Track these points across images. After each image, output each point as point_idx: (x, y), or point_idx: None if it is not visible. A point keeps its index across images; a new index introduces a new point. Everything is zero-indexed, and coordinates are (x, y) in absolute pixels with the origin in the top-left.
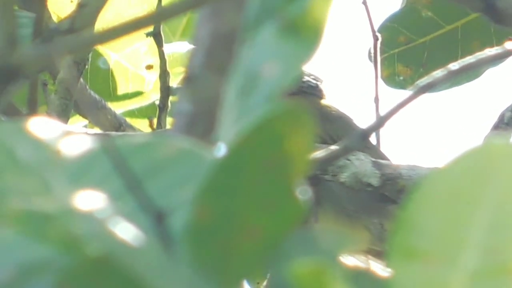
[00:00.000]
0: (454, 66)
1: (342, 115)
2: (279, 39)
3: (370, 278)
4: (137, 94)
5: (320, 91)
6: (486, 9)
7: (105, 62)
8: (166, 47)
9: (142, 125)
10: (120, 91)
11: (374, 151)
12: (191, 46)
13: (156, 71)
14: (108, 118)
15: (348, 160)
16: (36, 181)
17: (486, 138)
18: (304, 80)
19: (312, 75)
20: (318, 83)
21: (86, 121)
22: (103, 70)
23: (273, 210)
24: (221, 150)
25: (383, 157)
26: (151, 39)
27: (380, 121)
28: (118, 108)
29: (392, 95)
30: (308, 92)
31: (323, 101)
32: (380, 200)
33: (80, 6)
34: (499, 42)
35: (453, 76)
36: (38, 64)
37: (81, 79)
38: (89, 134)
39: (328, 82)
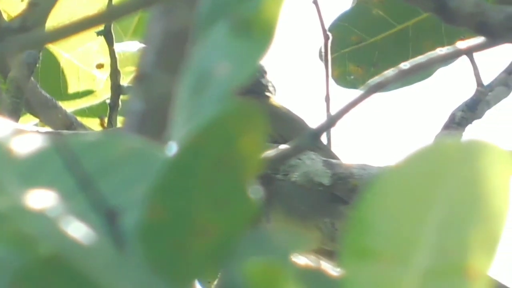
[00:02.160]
0: (405, 65)
1: (293, 114)
2: (231, 38)
3: (322, 277)
4: (88, 93)
5: (270, 89)
6: (438, 9)
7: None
8: (117, 46)
9: (93, 124)
10: (71, 90)
11: (326, 151)
12: (142, 45)
13: (107, 70)
14: (59, 117)
15: (299, 159)
16: None
17: (437, 137)
18: (255, 78)
19: (262, 72)
20: (268, 81)
21: (37, 120)
22: (54, 69)
23: (225, 209)
24: (173, 149)
25: (335, 156)
26: (102, 38)
27: (331, 121)
28: (69, 107)
29: (343, 95)
30: (258, 90)
31: (273, 100)
32: (331, 199)
33: (31, 4)
34: (450, 42)
35: (404, 76)
36: None
37: (32, 78)
38: (40, 133)
39: (279, 81)
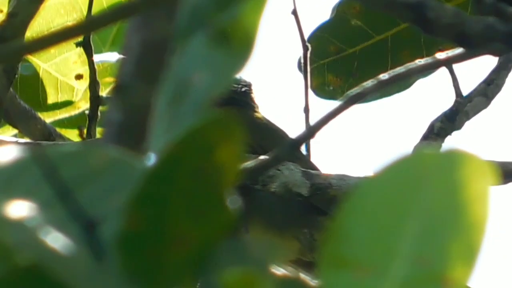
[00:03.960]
0: (384, 76)
1: (273, 125)
2: (209, 49)
3: (299, 286)
4: (67, 103)
5: (252, 100)
6: (417, 19)
7: (28, 68)
8: (96, 57)
9: (72, 135)
10: (50, 101)
11: (304, 162)
12: (121, 56)
13: (86, 81)
14: (38, 127)
15: (278, 170)
16: None
17: (416, 148)
18: (236, 89)
19: (243, 84)
20: (250, 92)
21: (16, 131)
22: (33, 80)
23: (204, 219)
24: (151, 159)
25: (313, 167)
26: (80, 49)
27: (310, 132)
28: (48, 117)
29: (322, 105)
30: (240, 101)
31: (257, 113)
32: (310, 210)
33: (10, 15)
34: (429, 53)
35: (383, 86)
36: None
37: (11, 89)
38: (19, 143)
39: (258, 91)
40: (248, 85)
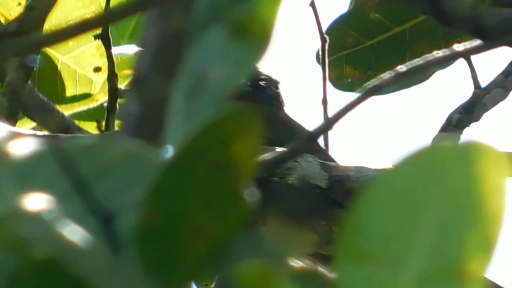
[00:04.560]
0: (402, 68)
1: (291, 119)
2: (226, 41)
3: (316, 280)
4: (85, 96)
5: (278, 97)
6: (434, 12)
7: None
8: (114, 50)
9: (90, 127)
10: (68, 94)
11: (322, 154)
12: (139, 49)
13: (104, 74)
14: (56, 120)
15: (296, 162)
16: None
17: (434, 140)
18: (262, 85)
19: (270, 81)
20: (277, 89)
21: (34, 124)
22: (51, 72)
23: (221, 212)
24: (168, 152)
25: (331, 159)
26: (99, 42)
27: (328, 124)
28: (66, 110)
29: (340, 98)
30: (264, 97)
31: (277, 108)
32: (328, 202)
33: (28, 8)
34: (447, 44)
35: (401, 79)
36: None
37: (29, 82)
38: (37, 136)
39: (286, 90)
40: (275, 83)
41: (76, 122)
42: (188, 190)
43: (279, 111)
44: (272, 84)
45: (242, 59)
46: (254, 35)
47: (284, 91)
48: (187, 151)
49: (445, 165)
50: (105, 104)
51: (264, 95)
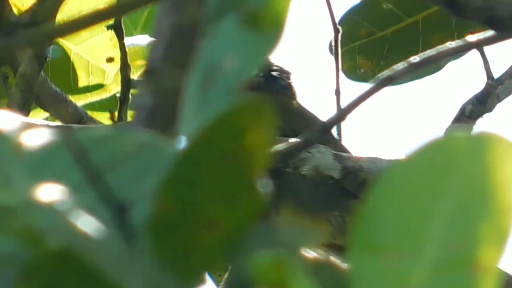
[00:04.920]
0: (415, 59)
1: (305, 110)
2: (240, 32)
3: (330, 270)
4: (98, 87)
5: (289, 88)
6: (447, 2)
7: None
8: (127, 40)
9: (103, 118)
10: (81, 84)
11: (336, 144)
12: (152, 39)
13: (117, 64)
14: (69, 111)
15: (309, 153)
16: None
17: (447, 131)
18: (273, 76)
19: (282, 71)
20: (288, 80)
21: (47, 114)
22: (64, 63)
23: (235, 203)
24: (182, 143)
25: (345, 150)
26: (112, 32)
27: (341, 114)
28: (79, 101)
29: (353, 88)
30: (276, 87)
31: (289, 98)
32: (341, 193)
33: None
34: (460, 35)
35: (414, 69)
36: None
37: (42, 72)
38: (50, 127)
39: (298, 80)
40: (287, 73)
41: (89, 112)
42: (201, 181)
43: (292, 101)
44: (285, 74)
45: (255, 50)
46: (268, 26)
47: (296, 81)
48: (200, 142)
49: (458, 156)
50: (118, 95)
51: (277, 85)
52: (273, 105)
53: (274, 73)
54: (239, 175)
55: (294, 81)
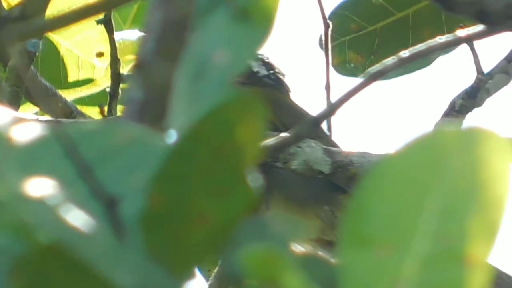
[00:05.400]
0: (405, 53)
1: (296, 104)
2: (230, 26)
3: (320, 264)
4: (88, 81)
5: (282, 83)
6: None
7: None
8: (117, 35)
9: (93, 112)
10: (71, 79)
11: (326, 139)
12: (142, 34)
13: (107, 59)
14: (59, 105)
15: (299, 147)
16: None
17: (437, 125)
18: (265, 70)
19: (274, 66)
20: (281, 74)
21: (37, 109)
22: (54, 57)
23: (225, 197)
24: (172, 136)
25: (335, 145)
26: (101, 27)
27: (331, 109)
28: (69, 95)
29: (343, 83)
30: (268, 82)
31: (281, 92)
32: (331, 187)
33: None
34: (450, 30)
35: (404, 64)
36: None
37: (32, 67)
38: (40, 121)
39: (290, 76)
40: (278, 68)
41: (79, 107)
42: (192, 175)
43: (282, 96)
44: (275, 69)
45: (246, 44)
46: (258, 20)
47: (287, 76)
48: (191, 136)
49: (448, 150)
50: (108, 89)
51: (267, 79)
52: (264, 99)
53: (265, 68)
54: (230, 169)
55: (285, 75)
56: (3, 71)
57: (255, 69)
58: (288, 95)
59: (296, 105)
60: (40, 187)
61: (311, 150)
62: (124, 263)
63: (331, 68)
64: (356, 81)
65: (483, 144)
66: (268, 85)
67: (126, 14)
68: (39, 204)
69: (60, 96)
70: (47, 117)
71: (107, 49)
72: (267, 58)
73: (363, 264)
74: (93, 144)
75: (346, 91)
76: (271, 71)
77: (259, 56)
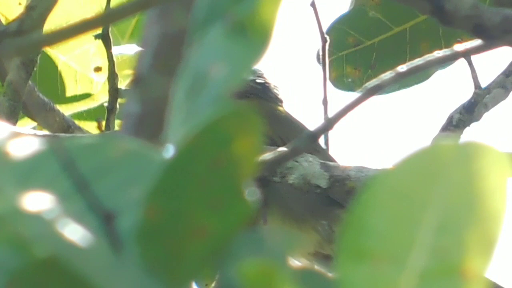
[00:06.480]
0: (402, 68)
1: (291, 118)
2: (227, 40)
3: (318, 278)
4: (86, 96)
5: (275, 95)
6: (435, 11)
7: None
8: (115, 49)
9: (91, 127)
10: (69, 93)
11: (323, 154)
12: (139, 48)
13: (105, 73)
14: (57, 120)
15: (297, 161)
16: None
17: (434, 140)
18: (259, 83)
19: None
20: (274, 87)
21: (34, 123)
22: (52, 72)
23: (222, 211)
24: (169, 150)
25: (332, 159)
26: (99, 41)
27: (329, 123)
28: (66, 110)
29: (340, 97)
30: (262, 95)
31: (276, 104)
32: (328, 202)
33: (29, 8)
34: (448, 44)
35: (402, 78)
36: None
37: (30, 81)
38: (37, 136)
39: (284, 88)
40: (274, 82)
41: (77, 121)
42: (189, 189)
43: (279, 109)
44: (271, 83)
45: (242, 58)
46: (255, 34)
47: (283, 90)
48: (188, 150)
49: (446, 164)
50: (106, 104)
51: (264, 94)
52: (261, 113)
53: (261, 82)
54: (227, 183)
55: (281, 89)
56: (1, 85)
57: (251, 82)
58: (283, 107)
59: (293, 118)
60: (37, 201)
61: (308, 164)
62: (121, 277)
63: (328, 83)
64: (354, 95)
65: (481, 158)
66: (264, 98)
67: (124, 28)
68: (36, 218)
69: (58, 111)
70: (45, 132)
71: (104, 64)
72: (263, 71)
73: (361, 277)
74: (90, 158)
75: (344, 106)
76: (266, 84)
77: (255, 70)
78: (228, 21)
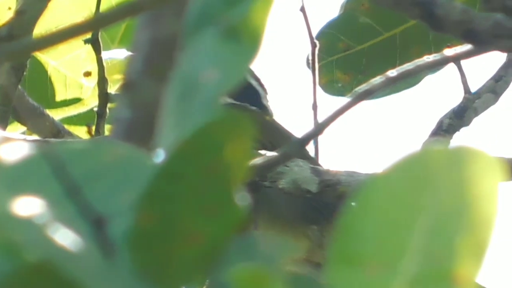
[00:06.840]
0: (392, 73)
1: (279, 126)
2: (219, 45)
3: (309, 283)
4: (76, 101)
5: (265, 104)
6: (425, 16)
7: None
8: (105, 54)
9: (81, 132)
10: (59, 98)
11: (311, 161)
12: (130, 53)
13: (95, 78)
14: (47, 124)
15: (287, 166)
16: None
17: (424, 144)
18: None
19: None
20: (265, 97)
21: (24, 128)
22: (41, 77)
23: (213, 216)
24: (160, 156)
25: (320, 166)
26: (89, 46)
27: (319, 128)
28: (56, 115)
29: (330, 102)
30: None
31: (265, 113)
32: (319, 207)
33: (19, 13)
34: (438, 49)
35: (392, 83)
36: None
37: (20, 86)
38: (27, 141)
39: (275, 98)
40: (264, 87)
41: (66, 126)
42: (180, 194)
43: (267, 115)
44: (262, 88)
45: (234, 63)
46: (246, 39)
47: (273, 96)
48: (179, 155)
49: (436, 169)
50: (95, 109)
51: (253, 99)
52: (252, 119)
53: (251, 87)
54: (218, 188)
55: (272, 95)
56: None
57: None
58: (272, 114)
59: (280, 125)
60: (27, 206)
61: (299, 169)
62: (112, 282)
63: (318, 88)
64: (344, 100)
65: (471, 163)
66: (253, 104)
67: (114, 33)
68: (27, 223)
69: (48, 116)
70: (35, 137)
71: (94, 69)
72: (252, 77)
73: (352, 283)
74: (80, 163)
75: (334, 111)
76: (256, 90)
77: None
78: (220, 26)
